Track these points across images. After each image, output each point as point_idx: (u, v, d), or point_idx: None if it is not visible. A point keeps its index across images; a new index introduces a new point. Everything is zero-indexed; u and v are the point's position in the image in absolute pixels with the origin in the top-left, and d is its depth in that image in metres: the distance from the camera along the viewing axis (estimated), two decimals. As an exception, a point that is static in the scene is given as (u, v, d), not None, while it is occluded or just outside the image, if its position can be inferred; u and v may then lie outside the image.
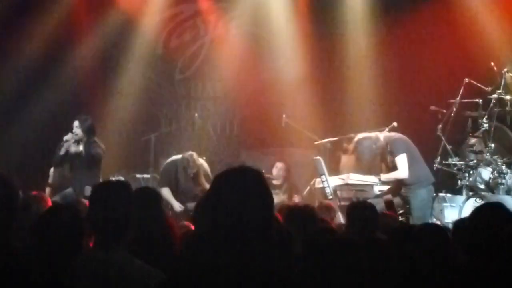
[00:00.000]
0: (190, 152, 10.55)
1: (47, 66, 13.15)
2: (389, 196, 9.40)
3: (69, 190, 9.80)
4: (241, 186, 3.06)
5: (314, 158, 10.62)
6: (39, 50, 13.10)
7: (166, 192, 10.24)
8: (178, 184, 10.52)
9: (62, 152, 10.06)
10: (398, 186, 9.99)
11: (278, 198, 10.53)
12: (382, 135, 10.07)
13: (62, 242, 3.75)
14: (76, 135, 10.08)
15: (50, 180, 10.36)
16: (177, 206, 10.34)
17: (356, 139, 10.24)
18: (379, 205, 8.81)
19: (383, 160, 10.14)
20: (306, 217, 5.71)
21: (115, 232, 3.73)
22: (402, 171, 9.77)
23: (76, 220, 3.85)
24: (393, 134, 10.15)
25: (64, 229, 3.80)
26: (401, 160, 9.78)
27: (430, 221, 9.02)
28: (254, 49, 13.78)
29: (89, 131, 10.15)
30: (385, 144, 9.98)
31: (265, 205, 3.09)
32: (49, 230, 3.81)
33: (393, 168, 9.91)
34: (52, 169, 10.37)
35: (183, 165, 10.44)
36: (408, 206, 9.80)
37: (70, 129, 10.15)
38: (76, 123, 10.12)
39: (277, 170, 11.50)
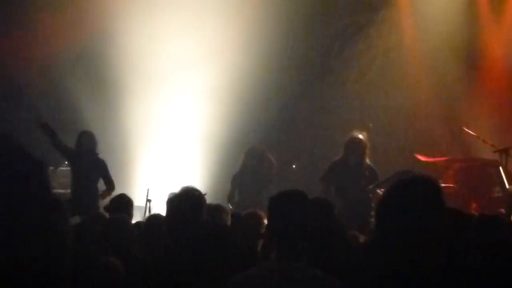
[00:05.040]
0: None
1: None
2: None
3: None
4: (417, 197, 3.04)
5: (494, 167, 10.34)
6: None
7: None
8: None
9: None
10: None
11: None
12: None
13: None
14: None
15: None
16: None
17: None
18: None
19: None
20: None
21: (296, 243, 3.67)
22: None
23: None
24: None
25: None
26: None
27: None
28: (428, 58, 13.56)
29: None
30: None
31: (439, 216, 3.07)
32: None
33: None
34: None
35: None
36: None
37: None
38: None
39: None
